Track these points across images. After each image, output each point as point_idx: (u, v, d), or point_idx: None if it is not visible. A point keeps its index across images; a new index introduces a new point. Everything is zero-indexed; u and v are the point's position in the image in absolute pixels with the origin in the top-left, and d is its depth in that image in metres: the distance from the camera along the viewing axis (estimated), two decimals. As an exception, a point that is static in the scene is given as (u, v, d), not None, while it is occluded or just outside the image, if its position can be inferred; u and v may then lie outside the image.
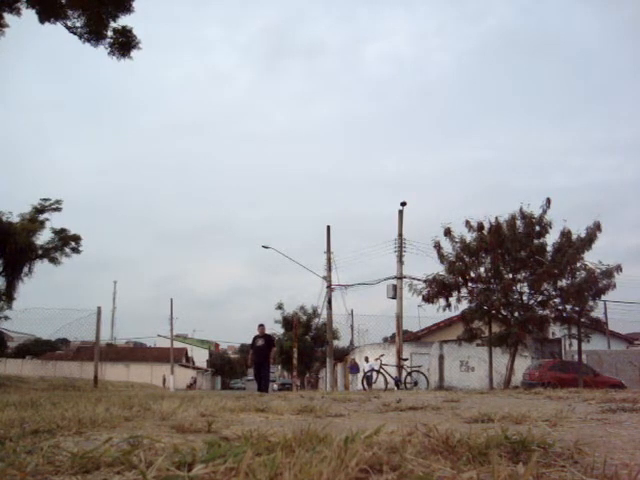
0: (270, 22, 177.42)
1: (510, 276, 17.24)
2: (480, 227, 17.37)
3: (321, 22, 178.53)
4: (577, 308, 16.83)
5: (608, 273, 16.35)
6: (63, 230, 21.27)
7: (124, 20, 13.37)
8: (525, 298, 17.19)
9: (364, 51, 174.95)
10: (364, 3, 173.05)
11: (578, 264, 16.60)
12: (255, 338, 13.15)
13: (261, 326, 13.39)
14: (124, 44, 13.54)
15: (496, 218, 17.26)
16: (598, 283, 16.37)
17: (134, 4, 13.07)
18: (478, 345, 21.92)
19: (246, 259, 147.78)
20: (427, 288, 17.62)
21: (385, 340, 30.39)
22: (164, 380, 40.18)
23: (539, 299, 17.13)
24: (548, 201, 17.23)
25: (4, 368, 25.81)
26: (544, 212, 17.11)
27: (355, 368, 26.17)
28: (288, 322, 33.55)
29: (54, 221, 21.11)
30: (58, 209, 21.12)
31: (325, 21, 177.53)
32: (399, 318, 22.50)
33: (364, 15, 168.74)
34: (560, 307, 17.08)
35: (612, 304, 24.68)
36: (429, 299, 17.58)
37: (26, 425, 2.52)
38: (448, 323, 27.95)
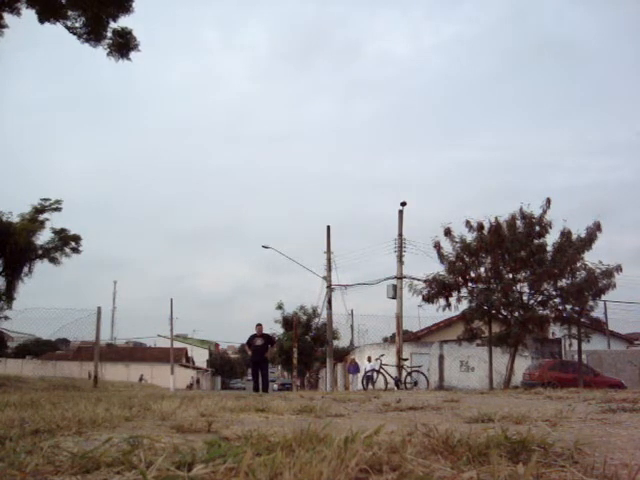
0: (270, 23, 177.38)
1: (510, 276, 17.22)
2: (480, 227, 17.36)
3: (321, 22, 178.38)
4: (577, 308, 16.81)
5: (608, 273, 16.33)
6: (63, 230, 21.21)
7: (124, 21, 13.38)
8: (525, 298, 17.17)
9: (363, 51, 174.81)
10: (362, 3, 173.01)
11: (578, 264, 16.58)
12: (253, 337, 13.14)
13: (259, 325, 13.39)
14: (123, 45, 13.53)
15: (496, 218, 17.25)
16: (598, 283, 16.35)
17: (134, 5, 13.08)
18: (478, 345, 21.93)
19: (248, 259, 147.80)
20: (427, 288, 17.61)
21: (385, 340, 30.35)
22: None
23: (539, 299, 17.11)
24: (548, 201, 17.22)
25: (4, 368, 25.78)
26: (544, 212, 17.09)
27: (354, 368, 26.12)
28: (288, 322, 33.51)
29: (54, 221, 21.05)
30: (58, 209, 21.06)
31: (325, 21, 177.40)
32: (399, 318, 22.49)
33: (363, 15, 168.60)
34: (560, 307, 17.05)
35: (612, 304, 24.69)
36: (429, 299, 17.57)
37: (26, 425, 2.52)
38: (448, 323, 27.92)
